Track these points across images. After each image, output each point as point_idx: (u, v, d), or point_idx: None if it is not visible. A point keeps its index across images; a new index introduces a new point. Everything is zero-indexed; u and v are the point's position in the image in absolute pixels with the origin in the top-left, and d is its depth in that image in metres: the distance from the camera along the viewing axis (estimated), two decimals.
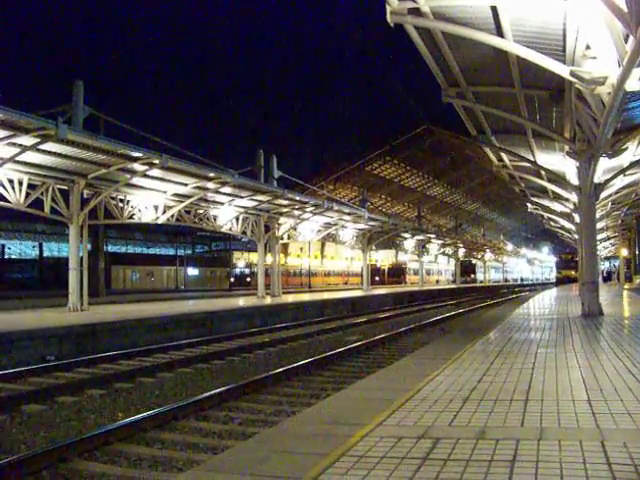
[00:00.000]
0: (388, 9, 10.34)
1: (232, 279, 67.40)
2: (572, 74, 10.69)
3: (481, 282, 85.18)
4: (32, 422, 8.18)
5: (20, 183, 18.41)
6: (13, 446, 7.02)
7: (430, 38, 12.06)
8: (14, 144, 15.55)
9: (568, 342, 10.70)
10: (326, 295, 37.01)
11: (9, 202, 18.33)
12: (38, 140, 15.27)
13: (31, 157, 16.91)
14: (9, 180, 18.11)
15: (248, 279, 67.74)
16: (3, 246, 62.65)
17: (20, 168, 17.81)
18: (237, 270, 70.88)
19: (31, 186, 18.84)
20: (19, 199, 18.40)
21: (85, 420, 8.27)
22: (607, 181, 19.31)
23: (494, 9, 10.03)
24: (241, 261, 73.52)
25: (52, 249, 74.92)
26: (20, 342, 13.42)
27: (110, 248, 66.74)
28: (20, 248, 75.92)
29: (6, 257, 63.51)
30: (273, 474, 3.96)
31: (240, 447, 5.24)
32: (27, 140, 15.31)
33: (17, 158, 16.31)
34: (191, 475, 4.52)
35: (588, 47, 10.40)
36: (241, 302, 27.19)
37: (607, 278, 62.21)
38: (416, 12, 10.47)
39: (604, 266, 68.58)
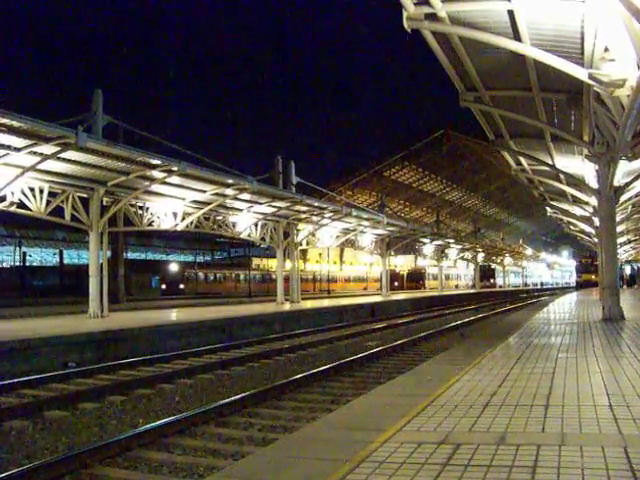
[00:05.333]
0: (405, 14, 10.35)
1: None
2: (590, 77, 10.64)
3: (500, 287, 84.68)
4: (54, 428, 8.24)
5: (41, 191, 18.57)
6: (36, 452, 7.09)
7: (447, 43, 12.05)
8: (35, 153, 15.71)
9: (589, 347, 10.61)
10: (345, 301, 36.97)
11: (30, 210, 18.51)
12: (58, 149, 15.41)
13: (51, 165, 17.07)
14: (30, 188, 18.28)
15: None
16: (24, 254, 63.19)
17: (41, 176, 17.97)
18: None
19: (51, 194, 19.00)
20: (40, 207, 18.57)
21: (106, 426, 8.32)
22: (627, 184, 19.16)
23: (511, 13, 10.01)
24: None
25: (72, 256, 75.45)
26: (42, 349, 13.53)
27: (129, 255, 66.83)
28: (41, 255, 76.57)
29: (28, 264, 64.01)
30: None
31: (261, 453, 5.26)
32: (47, 149, 15.46)
33: (38, 167, 16.47)
34: None
35: (606, 49, 10.35)
36: (259, 308, 27.22)
37: (631, 282, 61.19)
38: (433, 17, 10.48)
39: (627, 270, 67.43)
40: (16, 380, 11.60)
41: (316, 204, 27.95)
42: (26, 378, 11.83)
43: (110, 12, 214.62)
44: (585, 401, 5.98)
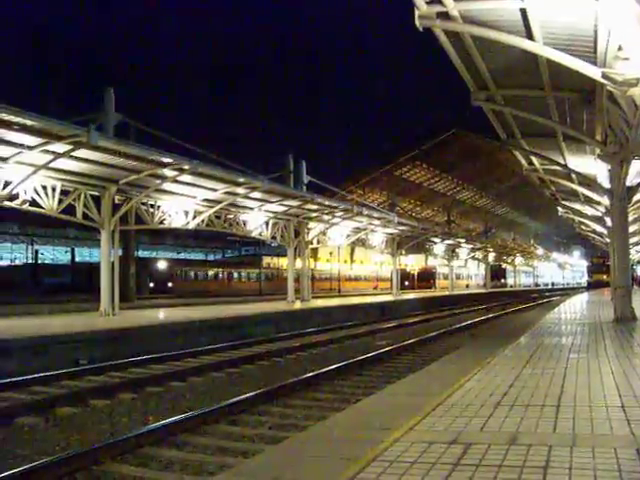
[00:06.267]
0: (417, 13, 10.31)
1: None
2: (604, 76, 10.58)
3: (511, 287, 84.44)
4: (66, 425, 8.29)
5: (53, 189, 18.64)
6: (48, 448, 7.12)
7: (459, 41, 12.00)
8: (47, 151, 15.78)
9: (600, 347, 10.57)
10: (355, 300, 36.99)
11: (43, 208, 18.58)
12: (70, 147, 15.48)
13: (63, 164, 17.14)
14: (42, 186, 18.35)
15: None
16: (37, 251, 63.53)
17: (53, 175, 18.05)
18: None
19: (64, 192, 19.06)
20: (52, 205, 18.64)
21: (117, 423, 8.35)
22: None
23: (523, 12, 9.96)
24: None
25: (84, 254, 75.74)
26: (54, 346, 13.60)
27: (141, 253, 66.71)
28: (53, 253, 76.97)
29: (40, 262, 64.32)
30: (304, 479, 3.98)
31: (271, 451, 5.26)
32: (60, 147, 15.53)
33: (50, 165, 16.55)
34: (222, 479, 4.55)
35: (620, 48, 10.27)
36: (270, 307, 27.25)
37: None
38: (444, 16, 10.43)
39: (638, 270, 66.59)
40: (28, 377, 11.67)
41: (327, 203, 27.96)
42: (38, 375, 11.90)
43: (121, 11, 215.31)
44: (597, 402, 5.95)
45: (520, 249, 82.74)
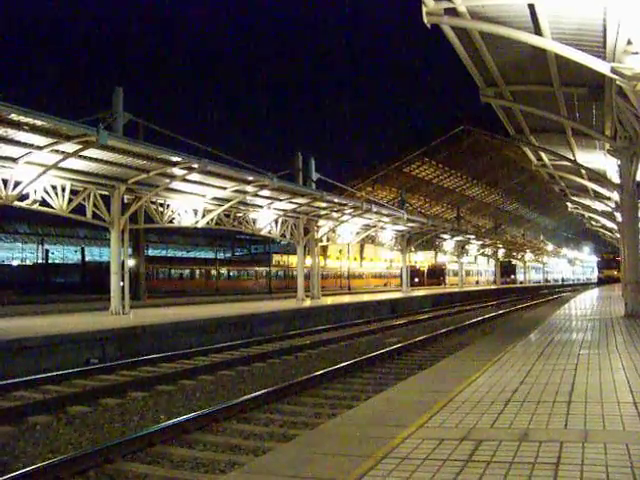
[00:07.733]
0: (424, 10, 10.29)
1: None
2: (613, 71, 10.53)
3: (521, 283, 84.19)
4: (77, 423, 8.32)
5: (63, 189, 18.68)
6: (60, 446, 7.15)
7: (467, 38, 11.98)
8: (57, 151, 15.83)
9: (611, 343, 10.54)
10: (365, 297, 36.95)
11: (52, 208, 18.64)
12: (80, 147, 15.51)
13: (73, 163, 17.18)
14: (52, 186, 18.40)
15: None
16: (47, 251, 63.73)
17: (63, 174, 18.09)
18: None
19: (73, 192, 19.09)
20: (62, 205, 18.69)
21: (128, 422, 8.38)
22: None
23: (531, 7, 9.93)
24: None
25: (94, 253, 75.95)
26: (65, 345, 13.65)
27: (150, 252, 66.61)
28: (63, 253, 77.18)
29: (50, 262, 64.52)
30: (315, 476, 3.98)
31: (282, 449, 5.27)
32: (69, 147, 15.57)
33: (60, 165, 16.59)
34: (233, 477, 4.56)
35: (630, 42, 10.22)
36: (280, 305, 27.25)
37: None
38: (452, 12, 10.42)
39: None
40: (40, 376, 11.73)
41: (336, 200, 27.92)
42: (50, 374, 11.96)
43: (130, 11, 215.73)
44: (608, 398, 5.93)
45: (530, 245, 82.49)
